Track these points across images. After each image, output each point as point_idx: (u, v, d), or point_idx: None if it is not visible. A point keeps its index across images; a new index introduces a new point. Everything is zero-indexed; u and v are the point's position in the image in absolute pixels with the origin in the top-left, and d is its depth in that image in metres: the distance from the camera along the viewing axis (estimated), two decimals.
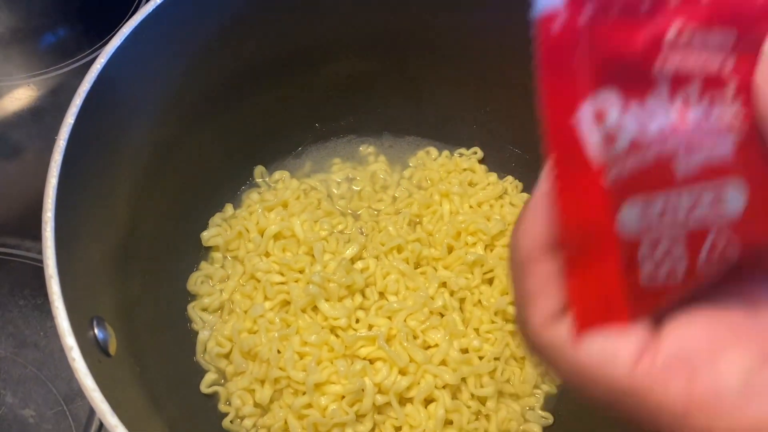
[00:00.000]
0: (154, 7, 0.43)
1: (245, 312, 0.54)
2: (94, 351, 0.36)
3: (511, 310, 0.55)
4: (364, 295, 0.55)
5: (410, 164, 0.64)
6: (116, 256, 0.46)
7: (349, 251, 0.56)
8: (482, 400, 0.53)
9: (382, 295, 0.56)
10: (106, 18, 0.76)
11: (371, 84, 0.61)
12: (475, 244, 0.57)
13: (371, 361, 0.52)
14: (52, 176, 0.37)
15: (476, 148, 0.64)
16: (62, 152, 0.38)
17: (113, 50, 0.41)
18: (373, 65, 0.59)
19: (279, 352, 0.52)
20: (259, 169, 0.61)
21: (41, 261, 0.59)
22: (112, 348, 0.38)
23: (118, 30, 0.42)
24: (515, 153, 0.63)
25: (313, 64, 0.58)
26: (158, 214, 0.52)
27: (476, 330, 0.55)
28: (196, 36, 0.48)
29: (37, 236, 0.60)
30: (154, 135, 0.49)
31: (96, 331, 0.37)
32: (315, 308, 0.54)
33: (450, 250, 0.57)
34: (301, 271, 0.56)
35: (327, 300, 0.54)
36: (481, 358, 0.53)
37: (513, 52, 0.55)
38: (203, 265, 0.57)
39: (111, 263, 0.46)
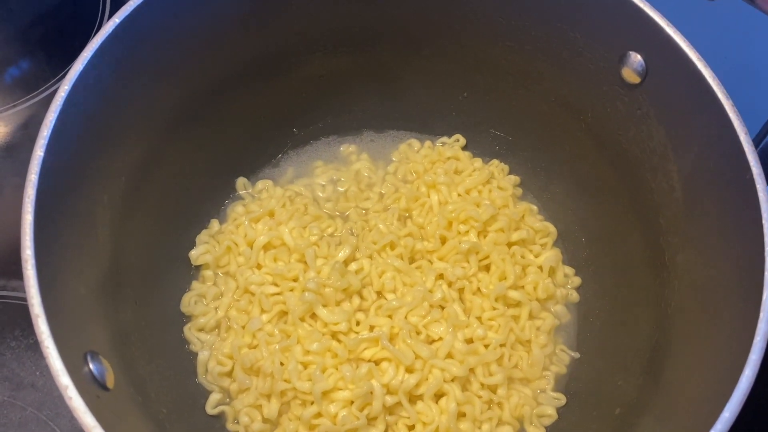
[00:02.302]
0: (113, 27, 0.42)
1: (243, 327, 0.53)
2: (91, 387, 0.35)
3: (511, 294, 0.54)
4: (361, 297, 0.54)
5: (393, 159, 0.63)
6: (104, 286, 0.45)
7: (342, 254, 0.55)
8: (493, 389, 0.52)
9: (379, 294, 0.55)
10: (68, 45, 0.74)
11: (346, 82, 0.60)
12: (467, 232, 0.57)
13: (377, 363, 0.51)
14: (27, 212, 0.36)
15: (458, 135, 0.63)
16: (35, 186, 0.37)
17: (76, 76, 0.40)
18: (345, 62, 0.58)
19: (282, 364, 0.51)
20: (241, 181, 0.60)
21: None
22: (110, 381, 0.37)
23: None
24: (497, 136, 0.62)
25: (284, 68, 0.57)
26: (142, 238, 0.51)
27: (479, 318, 0.54)
28: (161, 53, 0.47)
29: (21, 275, 0.59)
30: (129, 158, 0.48)
31: (91, 366, 0.36)
32: (313, 315, 0.53)
33: (443, 241, 0.57)
34: (295, 280, 0.55)
35: (325, 306, 0.53)
36: (486, 346, 0.53)
37: (486, 36, 0.55)
38: (195, 284, 0.56)
39: (99, 295, 0.44)
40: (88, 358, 0.36)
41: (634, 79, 0.48)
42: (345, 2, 0.53)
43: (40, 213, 0.37)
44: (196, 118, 0.53)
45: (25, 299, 0.57)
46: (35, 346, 0.55)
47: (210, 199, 0.59)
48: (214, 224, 0.58)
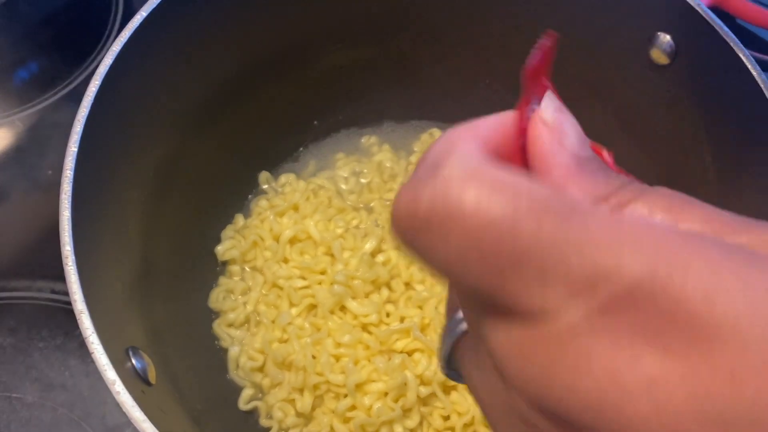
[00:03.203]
0: (140, 21, 0.41)
1: (273, 322, 0.53)
2: (136, 382, 0.34)
3: None
4: (390, 288, 0.54)
5: (415, 149, 0.62)
6: (136, 283, 0.45)
7: (368, 245, 0.55)
8: None
9: (408, 285, 0.54)
10: (77, 47, 0.74)
11: (365, 72, 0.59)
12: None
13: (409, 354, 0.51)
14: (65, 209, 0.36)
15: None
16: (71, 182, 0.36)
17: (106, 71, 0.40)
18: (364, 52, 0.58)
19: (314, 357, 0.50)
20: (264, 176, 0.59)
21: (55, 300, 0.57)
22: (152, 376, 0.37)
23: (98, 54, 0.40)
24: None
25: (305, 61, 0.57)
26: (170, 235, 0.50)
27: None
28: (185, 46, 0.46)
29: (45, 275, 0.59)
30: (156, 154, 0.47)
31: (134, 361, 0.35)
32: (343, 308, 0.53)
33: None
34: (323, 273, 0.54)
35: (354, 298, 0.53)
36: None
37: (509, 21, 0.54)
38: (222, 280, 0.55)
39: (133, 292, 0.44)
40: (130, 353, 0.36)
41: (663, 60, 0.47)
42: None
43: (76, 209, 0.36)
44: (220, 113, 0.53)
45: (50, 299, 0.57)
46: (63, 347, 0.55)
47: (233, 194, 0.58)
48: (239, 219, 0.57)
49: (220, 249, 0.56)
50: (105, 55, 0.40)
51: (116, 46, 0.40)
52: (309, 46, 0.56)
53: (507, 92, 0.60)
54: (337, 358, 0.51)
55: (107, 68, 0.39)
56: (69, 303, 0.57)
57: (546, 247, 0.15)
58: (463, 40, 0.57)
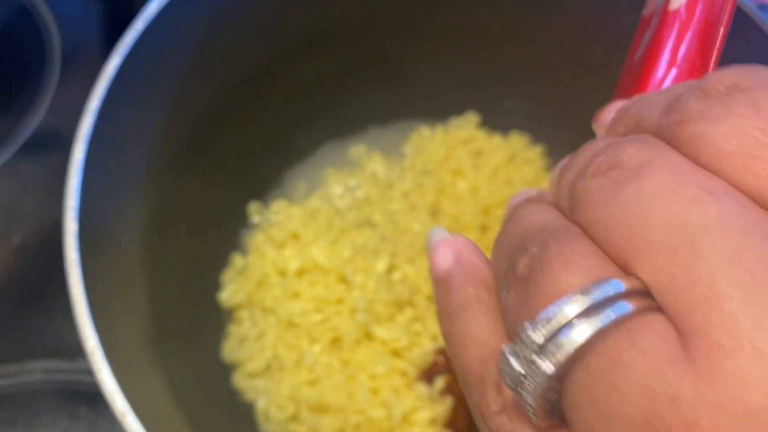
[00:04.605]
0: (115, 70, 0.36)
1: (296, 364, 0.49)
2: None
3: None
4: (413, 305, 0.51)
5: (406, 152, 0.59)
6: (150, 343, 0.41)
7: (381, 264, 0.51)
8: None
9: (430, 299, 0.51)
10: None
11: (343, 78, 0.55)
12: None
13: (451, 373, 0.48)
14: (76, 281, 0.31)
15: (470, 113, 0.59)
16: (78, 251, 0.32)
17: (92, 125, 0.35)
18: (340, 56, 0.54)
19: (349, 395, 0.47)
20: (253, 207, 0.55)
21: (49, 380, 0.52)
22: None
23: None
24: (511, 106, 0.58)
25: (277, 77, 0.52)
26: (171, 288, 0.46)
27: None
28: (159, 92, 0.42)
29: (34, 354, 0.53)
30: (147, 205, 0.43)
31: None
32: (369, 336, 0.49)
33: (484, 229, 0.53)
34: (340, 302, 0.51)
35: (378, 323, 0.49)
36: None
37: (491, 3, 0.51)
38: (232, 329, 0.51)
39: (149, 352, 0.40)
40: None
41: None
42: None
43: (86, 270, 0.32)
44: (198, 153, 0.48)
45: (45, 381, 0.52)
46: (70, 430, 0.50)
47: (225, 232, 0.54)
48: (237, 259, 0.53)
49: (224, 295, 0.51)
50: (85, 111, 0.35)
51: (95, 102, 0.35)
52: (280, 61, 0.51)
53: (495, 76, 0.57)
54: (375, 392, 0.47)
55: (92, 127, 0.35)
56: (66, 382, 0.52)
57: None
58: (444, 29, 0.54)
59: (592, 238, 0.16)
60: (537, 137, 0.59)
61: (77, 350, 0.53)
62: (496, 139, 0.58)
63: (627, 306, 0.14)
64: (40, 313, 0.54)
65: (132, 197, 0.41)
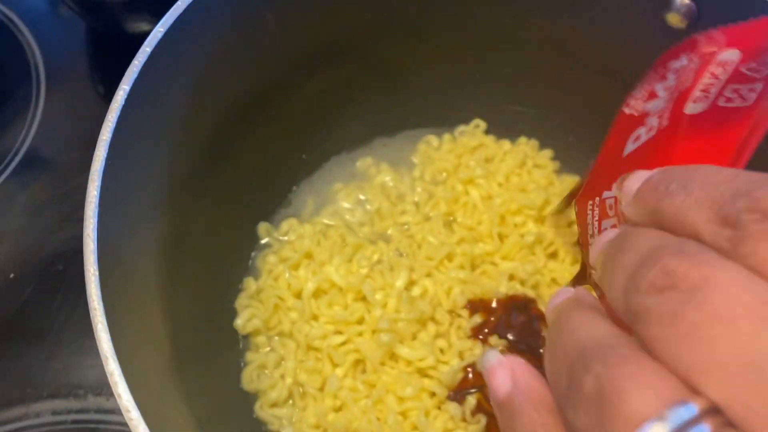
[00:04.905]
0: (123, 99, 0.34)
1: (320, 390, 0.47)
2: None
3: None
4: (435, 321, 0.49)
5: (414, 161, 0.57)
6: (170, 376, 0.39)
7: (400, 281, 0.50)
8: None
9: (452, 312, 0.50)
10: None
11: (347, 91, 0.54)
12: (524, 223, 0.52)
13: (479, 389, 0.47)
14: (98, 317, 0.29)
15: (477, 120, 0.58)
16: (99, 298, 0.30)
17: (104, 158, 0.33)
18: (343, 70, 0.52)
19: (378, 419, 0.45)
20: (263, 227, 0.53)
21: (58, 422, 0.50)
22: None
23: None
24: (519, 111, 0.57)
25: (281, 96, 0.50)
26: (187, 316, 0.44)
27: None
28: (169, 121, 0.40)
29: (39, 396, 0.51)
30: (159, 231, 0.41)
31: None
32: (393, 356, 0.48)
33: (501, 238, 0.52)
34: (360, 322, 0.49)
35: (401, 342, 0.48)
36: None
37: (493, 7, 0.50)
38: (249, 356, 0.49)
39: (168, 386, 0.38)
40: None
41: (681, 23, 0.44)
42: (335, 10, 0.47)
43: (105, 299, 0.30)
44: (206, 176, 0.46)
45: (54, 422, 0.49)
46: None
47: (235, 256, 0.52)
48: (250, 283, 0.51)
49: (239, 322, 0.49)
50: (97, 144, 0.33)
51: (106, 134, 0.33)
52: (282, 81, 0.50)
53: (499, 82, 0.56)
54: (405, 415, 0.46)
55: (104, 159, 0.33)
56: (76, 421, 0.50)
57: None
58: (446, 36, 0.52)
59: (655, 355, 0.17)
60: (544, 142, 0.58)
61: (86, 388, 0.51)
62: (505, 145, 0.57)
63: (706, 429, 0.15)
64: (42, 353, 0.52)
65: (144, 225, 0.39)
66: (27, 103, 0.60)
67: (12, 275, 0.54)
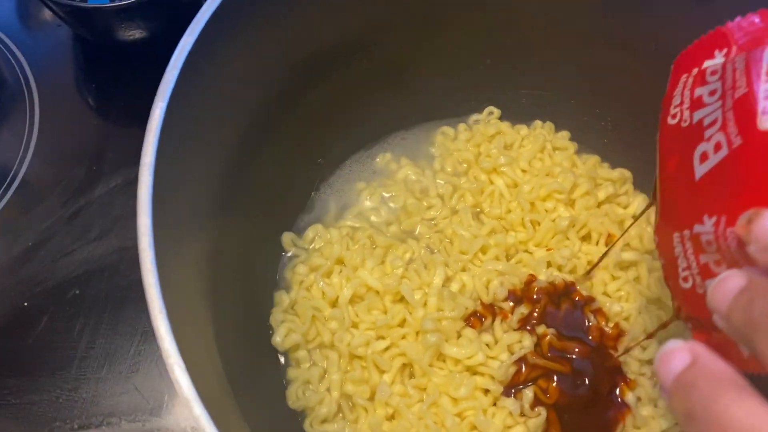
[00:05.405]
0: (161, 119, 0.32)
1: (370, 400, 0.46)
2: None
3: (625, 256, 0.50)
4: (477, 316, 0.48)
5: (433, 153, 0.56)
6: (225, 396, 0.37)
7: (437, 278, 0.48)
8: (650, 362, 0.48)
9: (494, 306, 0.49)
10: None
11: (359, 90, 0.52)
12: (555, 208, 0.51)
13: (533, 382, 0.46)
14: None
15: (490, 108, 0.57)
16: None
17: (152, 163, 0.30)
18: (353, 69, 0.50)
19: (435, 423, 0.44)
20: (287, 237, 0.51)
21: None
22: None
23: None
24: (530, 95, 0.56)
25: (293, 101, 0.48)
26: (231, 337, 0.42)
27: (606, 295, 0.49)
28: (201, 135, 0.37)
29: None
30: (198, 246, 0.39)
31: None
32: (440, 356, 0.47)
33: (534, 225, 0.51)
34: (402, 324, 0.47)
35: (446, 341, 0.46)
36: (626, 319, 0.48)
37: None
38: (292, 372, 0.47)
39: (225, 406, 0.36)
40: None
41: None
42: (338, 12, 0.45)
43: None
44: (229, 197, 0.44)
45: None
46: None
47: (262, 270, 0.49)
48: (282, 297, 0.49)
49: (278, 340, 0.47)
50: (140, 169, 0.30)
51: (148, 157, 0.31)
52: (294, 86, 0.47)
53: (509, 67, 0.55)
54: (462, 416, 0.45)
55: (151, 185, 0.30)
56: None
57: None
58: (455, 24, 0.51)
59: None
60: (559, 124, 0.57)
61: (119, 415, 0.49)
62: (522, 130, 0.56)
63: None
64: (68, 383, 0.49)
65: (187, 249, 0.37)
66: (22, 122, 0.57)
67: (25, 304, 0.51)
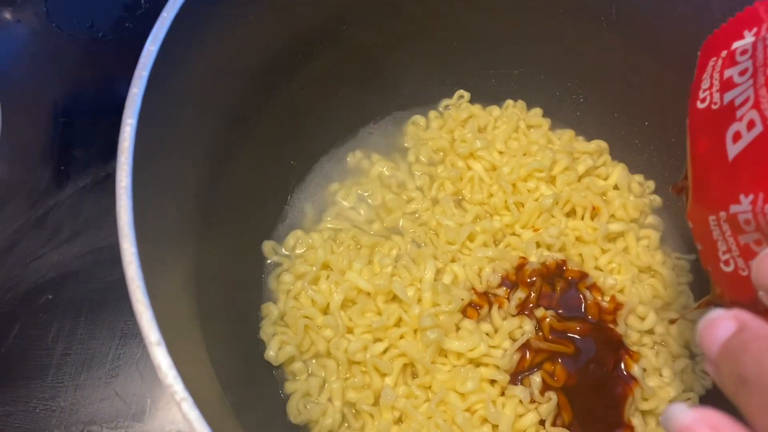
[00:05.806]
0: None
1: (375, 405, 0.44)
2: None
3: (612, 227, 0.50)
4: (473, 306, 0.47)
5: (406, 145, 0.54)
6: (227, 416, 0.35)
7: (429, 273, 0.47)
8: (652, 332, 0.48)
9: (489, 294, 0.48)
10: None
11: (327, 83, 0.50)
12: (536, 188, 0.50)
13: (539, 366, 0.45)
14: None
15: (460, 91, 0.55)
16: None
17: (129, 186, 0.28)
18: (315, 65, 0.48)
19: (445, 421, 0.43)
20: (268, 245, 0.49)
21: None
22: None
23: None
24: (499, 75, 0.55)
25: (258, 103, 0.46)
26: (222, 353, 0.39)
27: (598, 269, 0.49)
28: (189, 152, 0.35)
29: None
30: (178, 269, 0.36)
31: None
32: (441, 352, 0.45)
33: (518, 207, 0.50)
34: (399, 324, 0.46)
35: (446, 335, 0.45)
36: (621, 291, 0.48)
37: None
38: (290, 386, 0.45)
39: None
40: None
41: None
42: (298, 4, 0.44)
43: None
44: (206, 204, 0.41)
45: None
46: None
47: (249, 282, 0.47)
48: (271, 309, 0.47)
49: (271, 354, 0.45)
50: (117, 192, 0.28)
51: (125, 181, 0.28)
52: (260, 88, 0.45)
53: (476, 47, 0.53)
54: (471, 411, 0.43)
55: (131, 208, 0.28)
56: None
57: None
58: (420, 8, 0.49)
59: None
60: (530, 101, 0.56)
61: (100, 423, 0.46)
62: (494, 111, 0.55)
63: None
64: (44, 392, 0.47)
65: (170, 268, 0.34)
66: None
67: None
